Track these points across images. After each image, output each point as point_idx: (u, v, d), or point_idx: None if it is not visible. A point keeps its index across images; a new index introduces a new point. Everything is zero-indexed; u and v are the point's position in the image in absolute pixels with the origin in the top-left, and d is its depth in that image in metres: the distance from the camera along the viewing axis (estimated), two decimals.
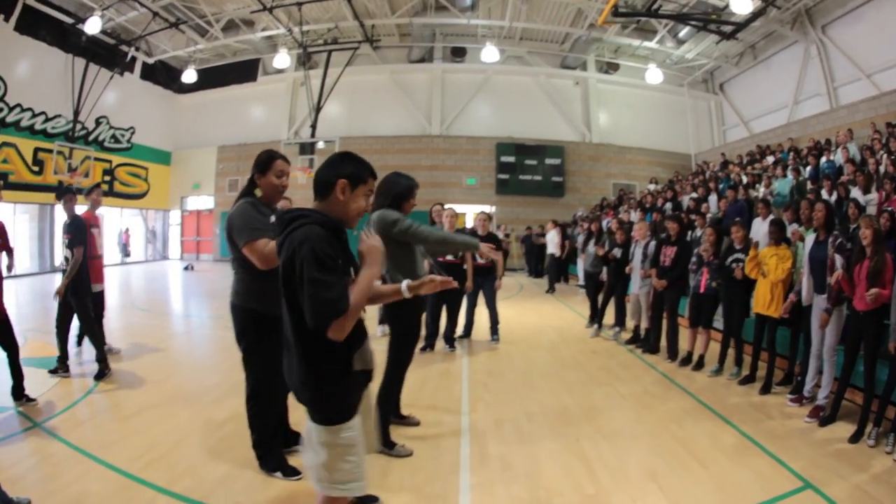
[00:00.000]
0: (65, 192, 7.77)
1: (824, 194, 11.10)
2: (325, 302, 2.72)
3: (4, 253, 6.59)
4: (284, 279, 2.85)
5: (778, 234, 7.42)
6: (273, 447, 4.66)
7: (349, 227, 3.06)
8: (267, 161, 4.49)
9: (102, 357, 7.35)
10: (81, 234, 7.32)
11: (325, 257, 2.77)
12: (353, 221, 3.08)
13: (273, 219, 4.30)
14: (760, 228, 9.89)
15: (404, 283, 3.24)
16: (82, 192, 8.09)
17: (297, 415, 4.37)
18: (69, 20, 22.20)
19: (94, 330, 7.46)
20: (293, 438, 4.95)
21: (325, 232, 2.85)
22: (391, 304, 5.09)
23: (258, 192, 4.52)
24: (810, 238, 6.72)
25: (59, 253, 22.56)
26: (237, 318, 4.53)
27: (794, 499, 4.32)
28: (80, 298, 7.31)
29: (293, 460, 4.68)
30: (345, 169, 3.06)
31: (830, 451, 5.25)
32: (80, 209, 7.67)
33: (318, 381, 2.91)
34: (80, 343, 8.66)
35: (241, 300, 4.45)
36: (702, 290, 8.32)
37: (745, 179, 15.95)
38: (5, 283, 6.59)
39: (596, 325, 11.02)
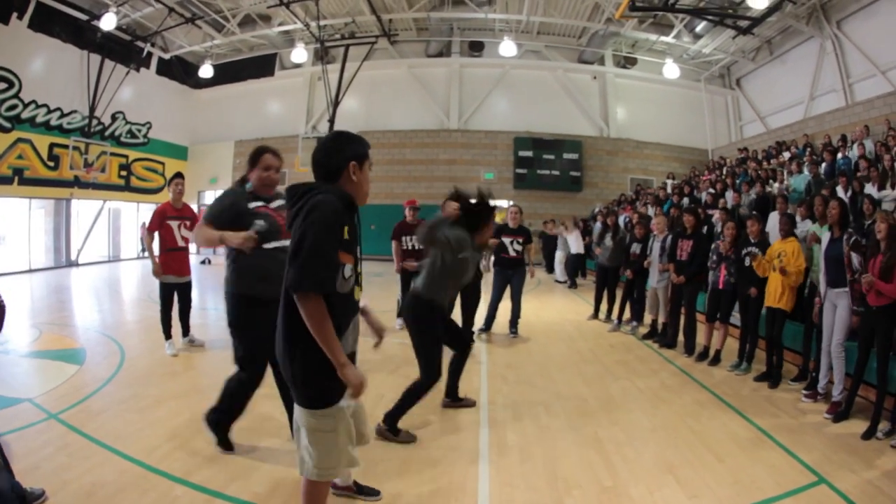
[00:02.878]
0: None
1: (839, 191, 11.08)
2: (316, 270, 2.75)
3: None
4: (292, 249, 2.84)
5: (788, 228, 7.43)
6: (225, 422, 4.92)
7: (360, 205, 3.05)
8: (255, 156, 4.76)
9: None
10: None
11: (336, 227, 2.83)
12: (364, 199, 3.12)
13: (254, 204, 4.68)
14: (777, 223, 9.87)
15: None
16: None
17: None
18: (83, 17, 22.30)
19: None
20: None
21: (340, 204, 2.89)
22: (408, 298, 5.53)
23: (249, 186, 4.81)
24: (825, 236, 6.70)
25: (74, 247, 22.96)
26: (227, 302, 4.82)
27: (807, 493, 4.36)
28: None
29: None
30: (351, 150, 3.06)
31: (843, 447, 5.28)
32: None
33: (301, 360, 2.91)
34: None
35: (231, 286, 4.77)
36: (720, 287, 8.31)
37: (760, 175, 15.92)
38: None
39: (616, 321, 11.04)
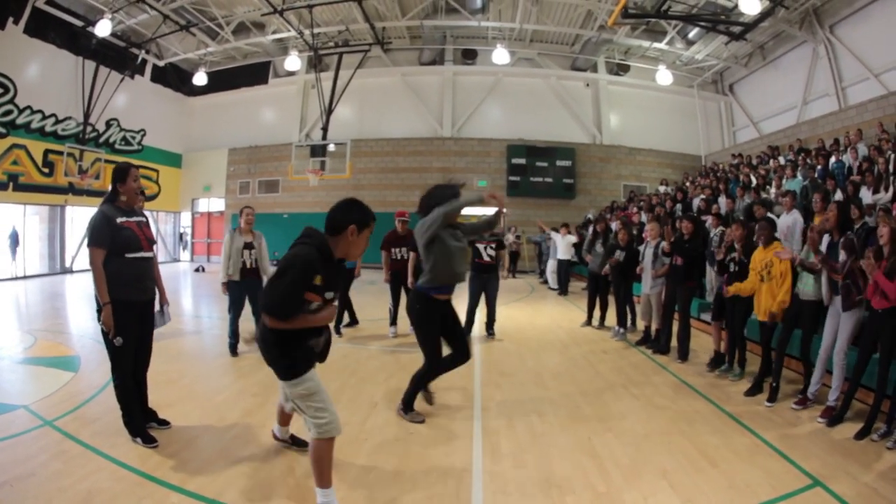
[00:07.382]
0: None
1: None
2: (281, 305, 3.64)
3: None
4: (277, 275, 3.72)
5: (768, 233, 7.22)
6: (134, 417, 5.29)
7: (351, 260, 4.14)
8: (125, 171, 5.29)
9: None
10: None
11: (307, 276, 3.67)
12: (356, 256, 4.11)
13: (121, 219, 5.12)
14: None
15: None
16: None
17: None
18: (79, 23, 22.37)
19: None
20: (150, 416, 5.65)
21: (317, 256, 3.70)
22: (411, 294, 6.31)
23: (122, 199, 5.29)
24: (824, 240, 6.64)
25: (69, 254, 22.96)
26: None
27: (803, 496, 4.35)
28: None
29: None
30: (354, 216, 3.92)
31: (838, 450, 5.28)
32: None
33: (274, 346, 3.87)
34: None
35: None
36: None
37: (754, 181, 15.92)
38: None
39: (620, 329, 10.75)
